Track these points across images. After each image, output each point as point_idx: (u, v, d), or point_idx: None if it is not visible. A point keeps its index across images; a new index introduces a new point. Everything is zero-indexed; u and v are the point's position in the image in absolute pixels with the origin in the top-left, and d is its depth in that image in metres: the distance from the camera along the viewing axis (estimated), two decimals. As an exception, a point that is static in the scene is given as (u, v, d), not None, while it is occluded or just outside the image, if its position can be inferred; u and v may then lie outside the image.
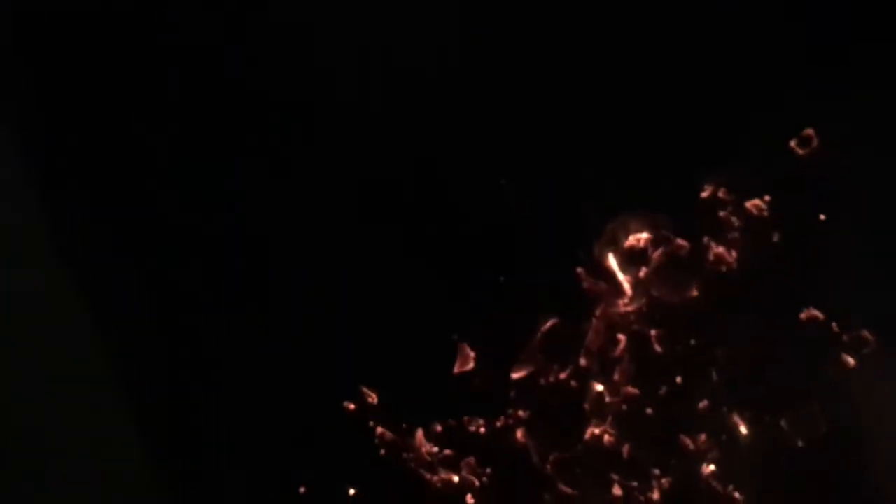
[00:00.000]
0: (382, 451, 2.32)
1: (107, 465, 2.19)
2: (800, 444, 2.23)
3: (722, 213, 2.39)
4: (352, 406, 2.34)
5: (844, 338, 2.30)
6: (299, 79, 2.44)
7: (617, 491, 2.24)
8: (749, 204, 2.38)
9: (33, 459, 2.06)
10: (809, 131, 2.39)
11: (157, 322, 2.36)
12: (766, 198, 2.38)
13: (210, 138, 2.44)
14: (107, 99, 2.44)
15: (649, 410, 2.27)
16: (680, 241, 2.37)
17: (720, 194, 2.40)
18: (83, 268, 2.30)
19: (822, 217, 2.34)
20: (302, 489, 2.31)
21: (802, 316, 2.31)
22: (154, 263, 2.39)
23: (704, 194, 2.42)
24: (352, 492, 2.31)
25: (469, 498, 2.28)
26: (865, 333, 2.29)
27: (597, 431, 2.28)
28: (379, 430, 2.32)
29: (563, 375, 2.30)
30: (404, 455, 2.30)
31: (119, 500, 2.16)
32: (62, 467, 2.11)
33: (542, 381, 2.31)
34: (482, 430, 2.31)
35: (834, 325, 2.29)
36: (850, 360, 2.28)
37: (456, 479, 2.29)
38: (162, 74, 2.44)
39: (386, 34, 2.45)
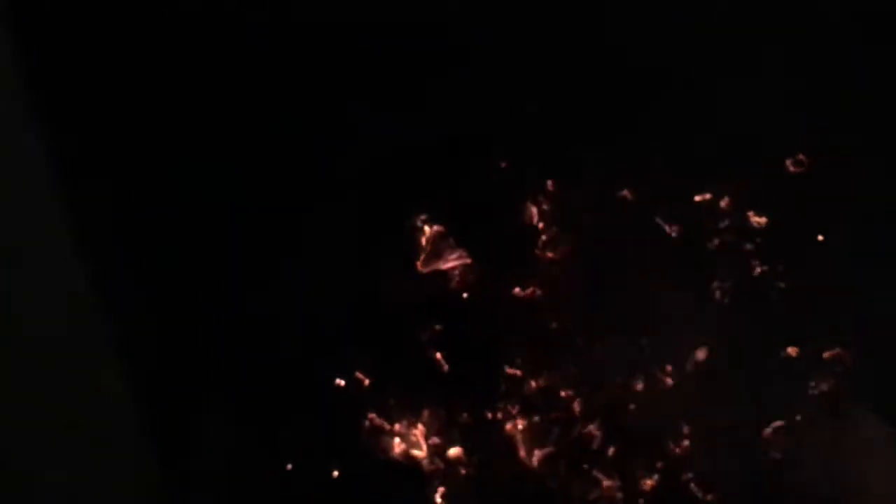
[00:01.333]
0: (371, 434, 2.33)
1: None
2: (777, 456, 2.33)
3: (722, 224, 2.44)
4: (343, 384, 2.34)
5: (825, 355, 2.39)
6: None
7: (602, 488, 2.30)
8: (750, 214, 2.43)
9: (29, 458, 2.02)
10: (803, 156, 2.44)
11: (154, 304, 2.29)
12: (765, 213, 2.43)
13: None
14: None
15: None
16: None
17: (722, 203, 2.44)
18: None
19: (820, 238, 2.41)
20: (289, 466, 2.30)
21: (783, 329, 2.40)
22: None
23: (699, 198, 2.46)
24: (335, 473, 2.31)
25: (451, 487, 2.31)
26: (843, 353, 2.38)
27: (584, 430, 2.33)
28: (370, 414, 2.32)
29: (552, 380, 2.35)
30: (395, 440, 2.31)
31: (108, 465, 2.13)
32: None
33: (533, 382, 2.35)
34: (470, 421, 2.34)
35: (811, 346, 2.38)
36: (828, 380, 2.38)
37: (441, 465, 2.32)
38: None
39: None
